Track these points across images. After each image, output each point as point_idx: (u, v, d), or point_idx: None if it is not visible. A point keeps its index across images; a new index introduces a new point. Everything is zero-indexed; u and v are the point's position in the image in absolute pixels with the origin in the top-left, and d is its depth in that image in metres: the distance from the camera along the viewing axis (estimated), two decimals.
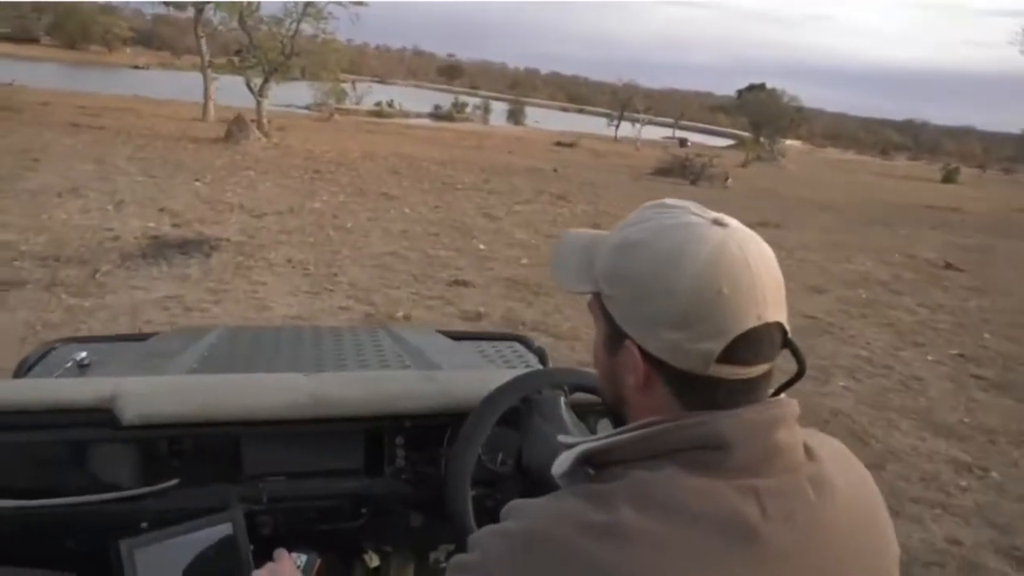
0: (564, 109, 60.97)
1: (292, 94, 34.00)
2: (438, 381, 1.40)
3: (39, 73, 39.61)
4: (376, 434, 1.35)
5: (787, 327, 0.72)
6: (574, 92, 67.12)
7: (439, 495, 1.21)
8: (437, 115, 48.40)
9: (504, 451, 1.33)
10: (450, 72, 71.13)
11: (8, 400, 1.17)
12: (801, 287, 9.03)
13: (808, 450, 0.74)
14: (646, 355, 0.72)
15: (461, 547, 0.80)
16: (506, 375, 1.29)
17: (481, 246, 9.48)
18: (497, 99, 54.28)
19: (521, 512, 0.71)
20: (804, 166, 39.98)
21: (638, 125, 42.64)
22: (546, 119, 52.59)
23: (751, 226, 0.76)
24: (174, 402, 1.22)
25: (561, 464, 0.77)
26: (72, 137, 16.30)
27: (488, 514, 1.17)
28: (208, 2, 24.18)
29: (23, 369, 1.80)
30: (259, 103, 19.60)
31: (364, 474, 1.35)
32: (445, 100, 51.80)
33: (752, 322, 0.68)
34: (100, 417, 1.18)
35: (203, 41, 25.21)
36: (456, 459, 1.19)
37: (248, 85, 19.60)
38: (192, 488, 1.22)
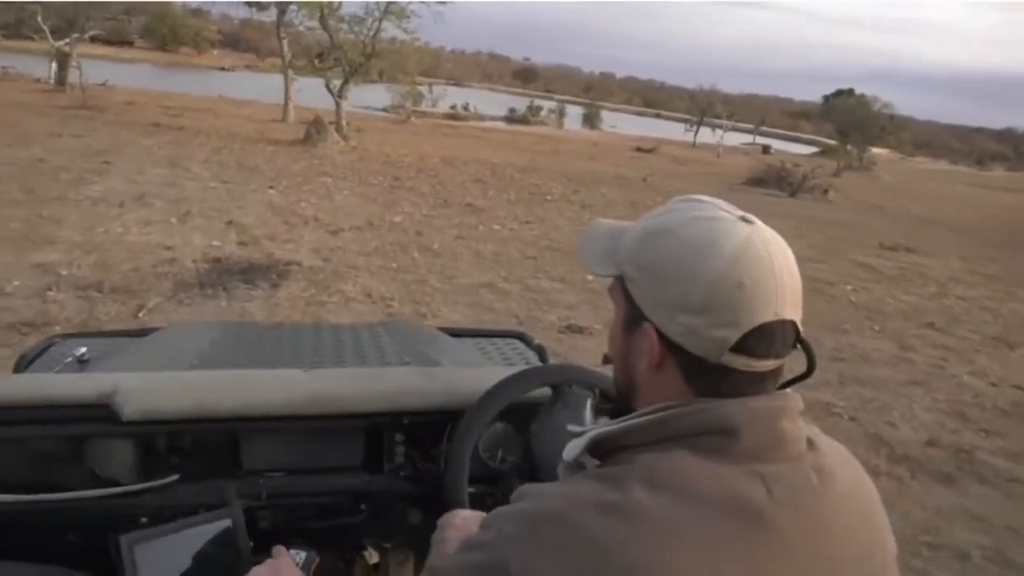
0: (640, 114, 58.68)
1: (370, 96, 33.42)
2: (438, 378, 1.37)
3: (131, 74, 39.91)
4: (376, 431, 1.31)
5: (800, 327, 0.72)
6: (649, 97, 64.78)
7: (438, 491, 1.19)
8: (512, 118, 47.02)
9: (505, 448, 1.32)
10: (525, 75, 69.61)
11: (8, 395, 1.14)
12: (985, 340, 7.22)
13: (810, 442, 0.74)
14: (663, 338, 0.73)
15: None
16: (506, 372, 1.26)
17: (589, 276, 7.98)
18: (572, 103, 52.61)
19: (533, 494, 0.71)
20: (898, 176, 37.07)
21: (719, 131, 40.37)
22: (621, 124, 50.64)
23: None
24: (174, 398, 1.19)
25: (572, 450, 0.77)
26: (150, 138, 15.47)
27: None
28: (290, 3, 23.40)
29: (23, 364, 1.74)
30: (338, 105, 18.52)
31: (363, 470, 1.32)
32: (519, 103, 50.41)
33: (768, 317, 0.69)
34: (100, 412, 1.15)
35: (285, 43, 24.43)
36: (454, 453, 1.16)
37: (328, 87, 18.54)
38: (191, 484, 1.19)
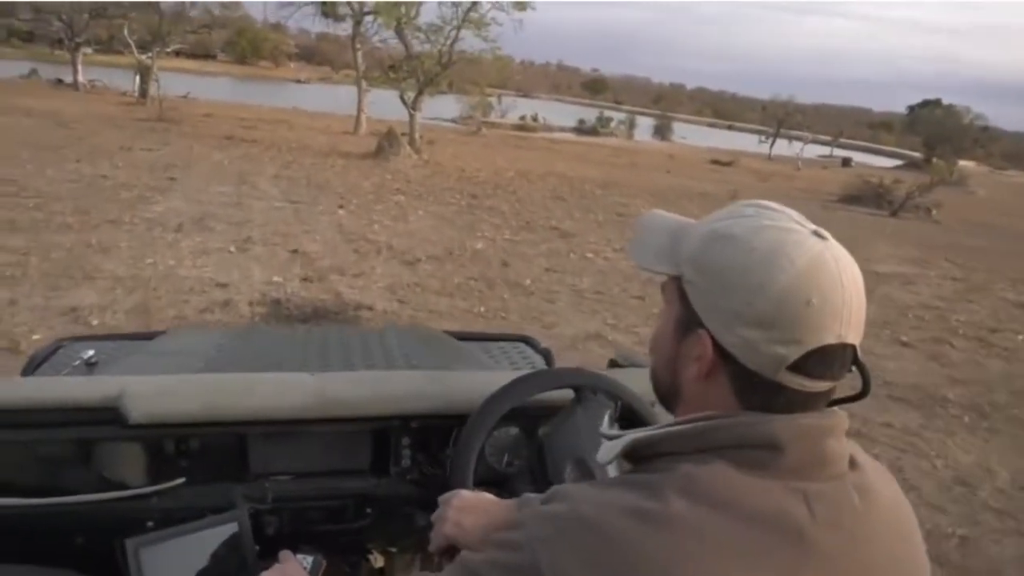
0: (712, 125, 56.49)
1: (439, 107, 32.65)
2: (444, 382, 1.33)
3: (212, 86, 40.27)
4: (382, 434, 1.29)
5: (858, 349, 0.68)
6: (720, 108, 62.37)
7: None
8: (581, 129, 45.69)
9: (511, 452, 1.30)
10: (594, 86, 68.01)
11: (16, 398, 1.13)
12: None
13: (852, 460, 0.71)
14: (717, 347, 0.69)
15: None
16: (512, 376, 1.23)
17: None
18: (642, 114, 50.91)
19: (567, 496, 0.68)
20: (992, 190, 34.20)
21: (799, 143, 38.12)
22: (693, 135, 48.69)
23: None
24: (181, 401, 1.17)
25: (607, 452, 0.74)
26: (222, 152, 14.71)
27: None
28: (366, 13, 22.62)
29: (31, 367, 1.71)
30: (412, 117, 17.51)
31: (370, 474, 1.29)
32: (588, 114, 49.02)
33: (831, 339, 0.65)
34: (107, 416, 1.13)
35: (359, 54, 23.70)
36: (459, 455, 1.13)
37: (402, 98, 17.56)
38: (198, 487, 1.17)
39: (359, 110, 23.73)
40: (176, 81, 35.48)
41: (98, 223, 7.48)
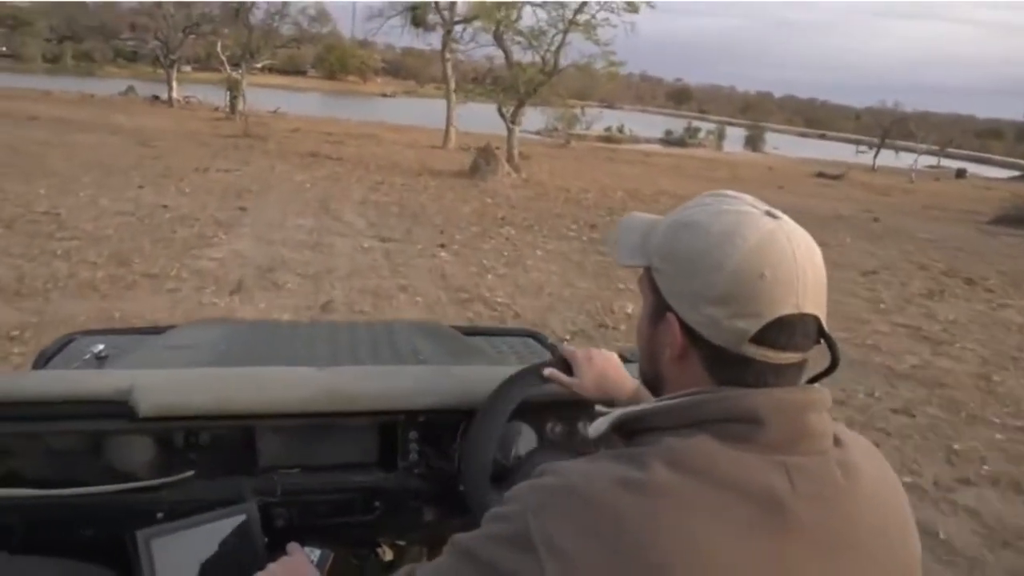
0: (803, 135, 52.36)
1: (523, 119, 30.41)
2: (452, 376, 1.28)
3: (301, 102, 39.49)
4: (390, 428, 1.23)
5: (824, 323, 0.68)
6: (811, 116, 57.87)
7: (453, 489, 1.14)
8: (668, 140, 42.69)
9: (516, 446, 1.24)
10: (678, 96, 64.46)
11: (27, 391, 1.09)
12: None
13: (837, 438, 0.70)
14: (685, 328, 0.70)
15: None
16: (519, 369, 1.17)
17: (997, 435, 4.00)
18: (729, 124, 47.41)
19: (556, 469, 0.68)
20: None
21: (910, 154, 34.17)
22: (784, 145, 44.92)
23: None
24: (190, 394, 1.12)
25: (597, 427, 0.75)
26: (305, 172, 12.77)
27: None
28: (457, 22, 20.56)
29: (42, 360, 1.65)
30: (510, 131, 15.20)
31: (378, 468, 1.23)
32: (673, 125, 45.92)
33: (788, 310, 0.66)
34: (117, 409, 1.09)
35: (449, 65, 21.67)
36: (472, 451, 1.08)
37: (500, 111, 15.28)
38: (207, 480, 1.12)
39: (448, 124, 21.71)
40: (267, 96, 34.71)
41: (134, 280, 5.43)
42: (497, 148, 15.17)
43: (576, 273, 7.26)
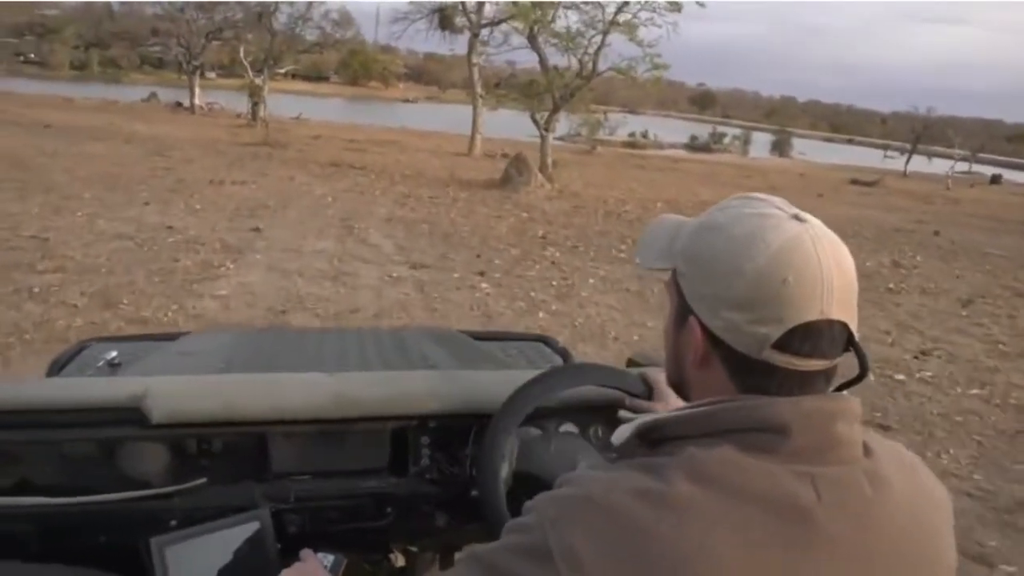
0: (829, 140, 50.62)
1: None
2: (462, 381, 1.24)
3: (324, 107, 38.86)
4: (401, 434, 1.20)
5: (853, 329, 0.65)
6: (836, 121, 55.96)
7: (465, 495, 1.14)
8: (693, 146, 41.39)
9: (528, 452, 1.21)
10: (701, 101, 62.64)
11: (40, 399, 1.07)
12: None
13: (866, 448, 0.66)
14: (707, 333, 0.67)
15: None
16: (530, 374, 1.13)
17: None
18: (754, 129, 45.88)
19: (577, 480, 0.66)
20: None
21: (944, 160, 32.61)
22: (811, 151, 43.39)
23: None
24: (202, 401, 1.10)
25: (620, 435, 0.71)
26: (326, 183, 11.75)
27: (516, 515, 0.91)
28: (484, 25, 19.50)
29: (55, 368, 1.63)
30: (544, 139, 14.05)
31: (389, 474, 1.20)
32: (698, 130, 44.55)
33: (813, 316, 0.62)
34: (130, 416, 1.06)
35: (476, 69, 20.61)
36: (485, 455, 1.05)
37: (534, 118, 14.12)
38: (220, 487, 1.09)
39: (474, 130, 20.67)
40: (290, 102, 33.99)
41: (118, 328, 4.37)
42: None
43: (639, 307, 6.13)
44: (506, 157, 22.09)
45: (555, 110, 14.05)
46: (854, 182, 27.44)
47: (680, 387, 0.75)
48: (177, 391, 1.11)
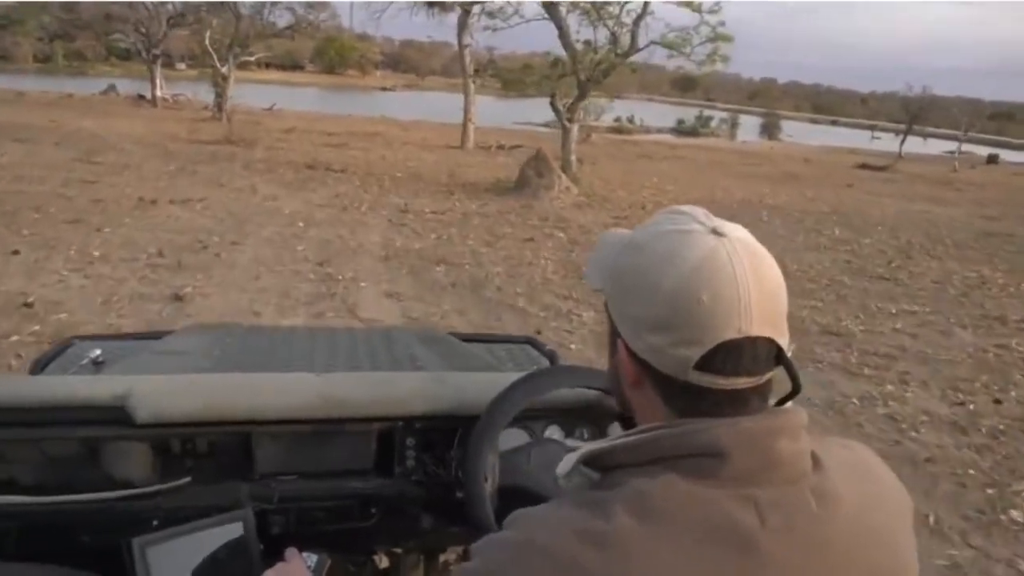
0: (814, 121, 47.96)
1: (526, 111, 26.76)
2: (449, 383, 1.18)
3: (299, 97, 35.42)
4: (387, 435, 1.14)
5: (782, 344, 0.60)
6: (818, 102, 53.25)
7: (450, 496, 1.09)
8: (680, 130, 38.56)
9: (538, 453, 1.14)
10: (683, 84, 59.32)
11: (23, 397, 1.02)
12: None
13: (816, 460, 0.62)
14: (633, 355, 0.63)
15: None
16: (517, 376, 1.09)
17: None
18: (740, 111, 43.04)
19: (521, 521, 0.62)
20: None
21: (958, 143, 30.12)
22: (797, 133, 40.75)
23: None
24: (187, 401, 1.05)
25: (564, 465, 0.67)
26: (298, 195, 8.66)
27: (501, 517, 0.88)
28: (475, 1, 16.29)
29: (39, 366, 1.55)
30: (566, 131, 10.96)
31: (375, 475, 1.14)
32: (680, 113, 41.63)
33: (731, 334, 0.58)
34: (114, 415, 1.02)
35: (467, 52, 17.44)
36: (471, 457, 1.01)
37: (554, 105, 11.02)
38: (204, 486, 1.05)
39: (466, 120, 17.55)
40: (263, 92, 30.64)
41: None
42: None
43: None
44: (502, 149, 19.09)
45: (582, 95, 10.96)
46: (863, 167, 24.77)
47: (624, 409, 0.70)
48: (161, 390, 1.06)
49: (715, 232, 0.60)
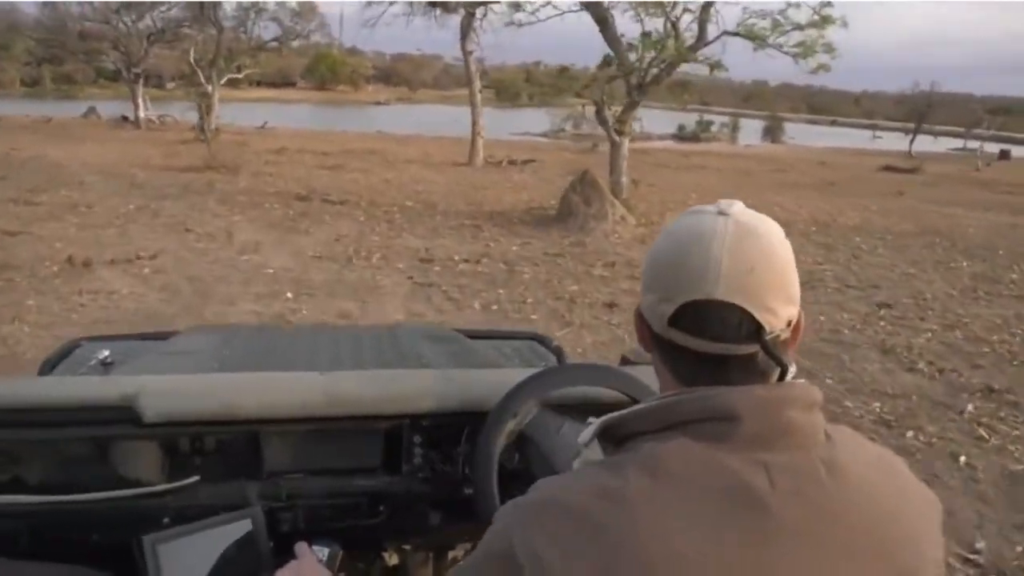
0: (813, 122, 45.78)
1: (520, 121, 24.62)
2: (456, 380, 1.16)
3: (292, 114, 33.23)
4: (394, 432, 1.11)
5: (761, 320, 0.59)
6: (812, 103, 51.11)
7: (457, 493, 1.07)
8: (682, 136, 36.57)
9: (522, 449, 1.12)
10: (676, 88, 57.34)
11: (34, 397, 1.01)
12: None
13: (828, 437, 0.62)
14: (642, 318, 0.66)
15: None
16: (523, 373, 1.07)
17: None
18: (738, 115, 40.92)
19: (541, 485, 0.63)
20: None
21: (980, 142, 28.18)
22: (799, 135, 38.75)
23: None
24: (195, 400, 1.03)
25: (584, 435, 0.68)
26: (287, 240, 6.40)
27: None
28: (482, 2, 14.08)
29: (48, 367, 1.53)
30: (616, 146, 8.62)
31: (382, 472, 1.12)
32: (676, 118, 39.58)
33: (698, 295, 0.60)
34: (123, 415, 1.00)
35: (472, 59, 15.24)
36: (480, 453, 0.98)
37: (600, 114, 8.71)
38: (213, 485, 1.02)
39: (474, 134, 15.34)
40: (255, 111, 28.49)
41: None
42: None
43: None
44: (514, 165, 16.89)
45: (633, 103, 8.68)
46: (888, 168, 22.69)
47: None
48: (170, 390, 1.04)
49: (720, 213, 0.62)
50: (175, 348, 1.63)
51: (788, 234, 0.62)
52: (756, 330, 0.60)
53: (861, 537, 0.58)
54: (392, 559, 1.21)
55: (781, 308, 0.61)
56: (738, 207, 0.63)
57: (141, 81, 23.30)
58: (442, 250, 6.41)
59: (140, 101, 22.87)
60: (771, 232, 0.62)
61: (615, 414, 0.65)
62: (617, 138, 8.35)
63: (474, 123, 15.31)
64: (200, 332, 1.90)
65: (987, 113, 39.65)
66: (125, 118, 23.61)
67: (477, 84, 15.26)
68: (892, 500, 0.61)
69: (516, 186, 11.80)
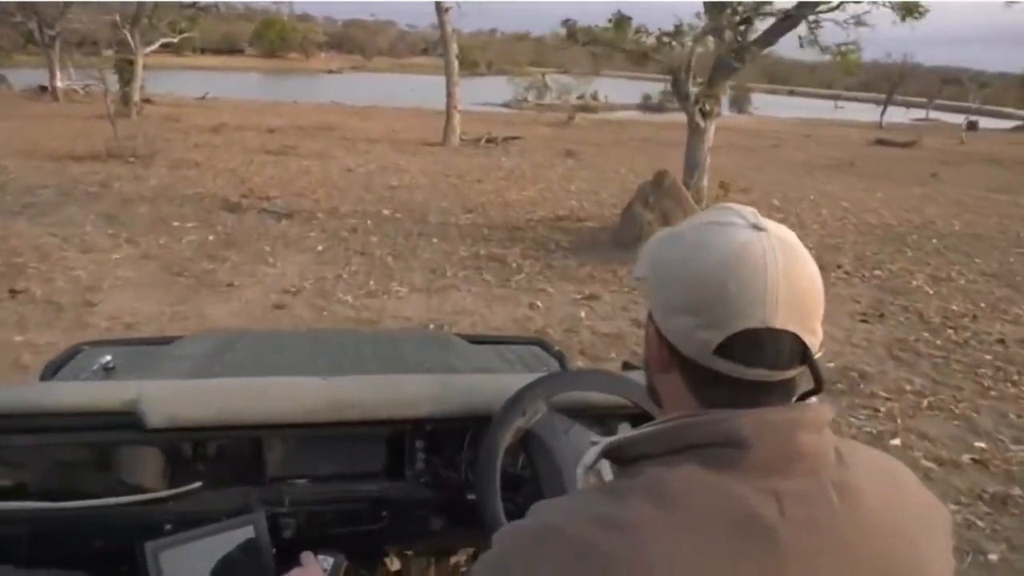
0: (772, 92, 43.51)
1: (483, 91, 22.50)
2: (458, 385, 1.11)
3: (238, 83, 29.23)
4: (396, 437, 1.07)
5: (809, 343, 0.55)
6: (772, 72, 48.76)
7: (460, 498, 1.01)
8: (647, 107, 34.03)
9: (526, 455, 1.06)
10: (636, 58, 54.08)
11: (35, 403, 0.96)
12: None
13: (839, 456, 0.57)
14: (663, 340, 0.59)
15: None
16: (526, 379, 1.02)
17: None
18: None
19: (541, 509, 0.59)
20: None
21: (966, 116, 26.34)
22: (763, 106, 36.53)
23: None
24: (197, 406, 0.98)
25: (589, 457, 0.64)
26: (189, 312, 3.44)
27: (511, 517, 0.88)
28: None
29: (49, 372, 1.45)
30: (696, 131, 5.72)
31: (385, 477, 1.07)
32: (639, 87, 36.81)
33: (753, 323, 0.54)
34: (125, 420, 0.95)
35: (448, 24, 12.12)
36: (483, 460, 0.94)
37: (680, 92, 5.85)
38: (215, 491, 0.97)
39: (450, 108, 12.34)
40: (196, 80, 24.57)
41: None
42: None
43: None
44: (494, 143, 13.94)
45: (728, 70, 5.81)
46: (880, 142, 20.57)
47: (652, 396, 0.66)
48: (172, 395, 0.99)
49: (755, 227, 0.56)
50: (177, 353, 1.54)
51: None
52: (802, 352, 0.55)
53: (873, 563, 0.54)
54: (394, 564, 1.13)
55: (819, 327, 0.56)
56: (767, 221, 0.56)
57: (57, 45, 19.17)
58: (464, 319, 3.59)
59: (57, 69, 18.83)
60: (804, 248, 0.56)
61: (621, 437, 0.60)
62: (703, 122, 5.52)
63: (449, 95, 12.27)
64: (202, 337, 1.79)
65: (943, 83, 38.23)
66: (43, 88, 19.49)
67: (454, 48, 12.15)
68: (903, 521, 0.57)
69: (512, 175, 8.96)
